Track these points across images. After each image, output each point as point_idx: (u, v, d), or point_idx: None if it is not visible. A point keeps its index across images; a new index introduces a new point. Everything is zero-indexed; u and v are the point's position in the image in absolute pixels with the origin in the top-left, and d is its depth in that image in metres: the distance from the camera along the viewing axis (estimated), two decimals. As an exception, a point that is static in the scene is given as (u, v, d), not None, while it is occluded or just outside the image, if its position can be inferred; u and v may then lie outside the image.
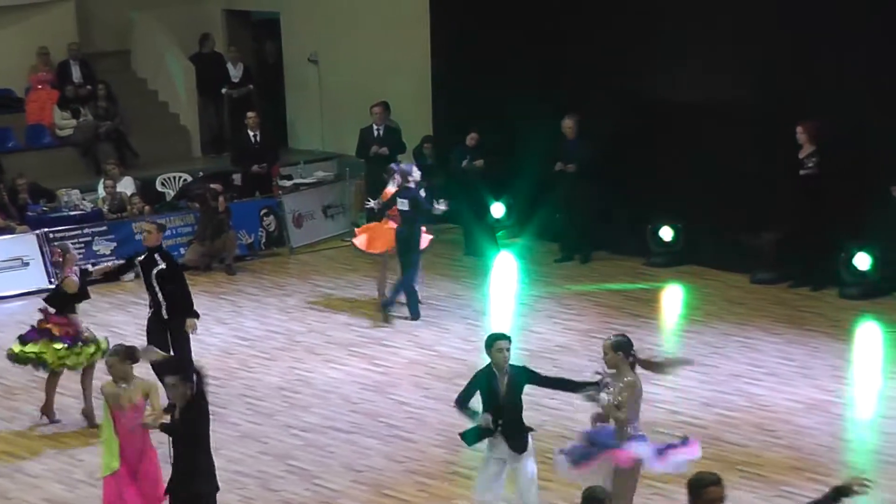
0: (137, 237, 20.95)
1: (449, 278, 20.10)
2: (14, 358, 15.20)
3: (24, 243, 20.75)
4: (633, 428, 11.61)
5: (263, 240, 22.06)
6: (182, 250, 21.27)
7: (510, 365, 11.82)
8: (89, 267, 15.26)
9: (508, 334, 12.03)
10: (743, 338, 17.37)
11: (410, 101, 23.13)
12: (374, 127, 22.09)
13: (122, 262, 15.35)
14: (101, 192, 22.30)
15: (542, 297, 19.44)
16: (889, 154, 18.01)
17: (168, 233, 21.25)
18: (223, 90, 25.25)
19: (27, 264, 20.64)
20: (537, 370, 12.27)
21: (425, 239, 18.74)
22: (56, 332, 14.80)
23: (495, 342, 11.80)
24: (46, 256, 20.50)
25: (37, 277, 20.52)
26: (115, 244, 21.12)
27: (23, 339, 15.20)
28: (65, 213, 21.85)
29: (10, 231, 20.95)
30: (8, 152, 23.78)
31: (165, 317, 14.74)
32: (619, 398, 11.43)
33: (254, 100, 25.02)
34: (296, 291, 20.01)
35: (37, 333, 15.12)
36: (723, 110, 19.59)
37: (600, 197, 20.62)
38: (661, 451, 11.68)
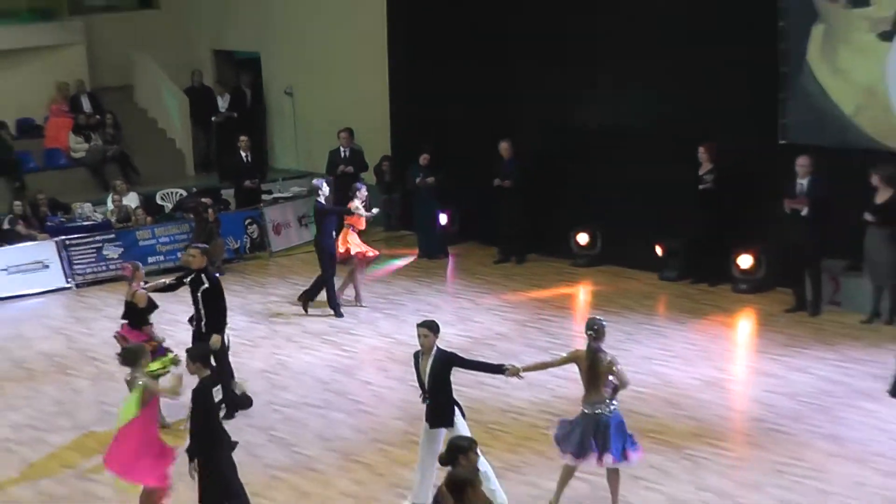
0: (141, 244, 21.29)
1: (406, 277, 20.18)
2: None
3: (45, 249, 20.75)
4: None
5: (248, 245, 22.09)
6: (179, 254, 21.18)
7: (438, 349, 11.73)
8: (142, 284, 14.76)
9: (431, 321, 11.87)
10: (653, 326, 17.47)
11: (372, 126, 23.11)
12: (341, 149, 22.09)
13: (173, 281, 14.95)
14: (110, 205, 22.26)
15: (484, 292, 19.46)
16: (769, 172, 18.10)
17: (166, 239, 21.49)
18: (212, 118, 25.20)
19: (47, 266, 20.64)
20: (461, 355, 12.11)
21: (364, 249, 18.71)
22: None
23: (418, 329, 11.82)
24: (64, 260, 20.59)
25: (56, 278, 20.65)
26: (122, 249, 21.10)
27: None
28: (79, 224, 21.84)
29: (33, 239, 20.93)
30: (29, 172, 23.70)
31: (203, 330, 14.34)
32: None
33: (238, 126, 24.95)
34: (275, 289, 20.08)
35: None
36: (633, 133, 19.61)
37: (531, 208, 20.72)
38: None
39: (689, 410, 14.34)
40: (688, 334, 17.13)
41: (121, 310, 16.21)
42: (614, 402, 11.60)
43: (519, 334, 17.34)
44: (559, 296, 19.24)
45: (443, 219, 21.73)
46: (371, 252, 18.84)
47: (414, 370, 11.96)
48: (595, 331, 11.63)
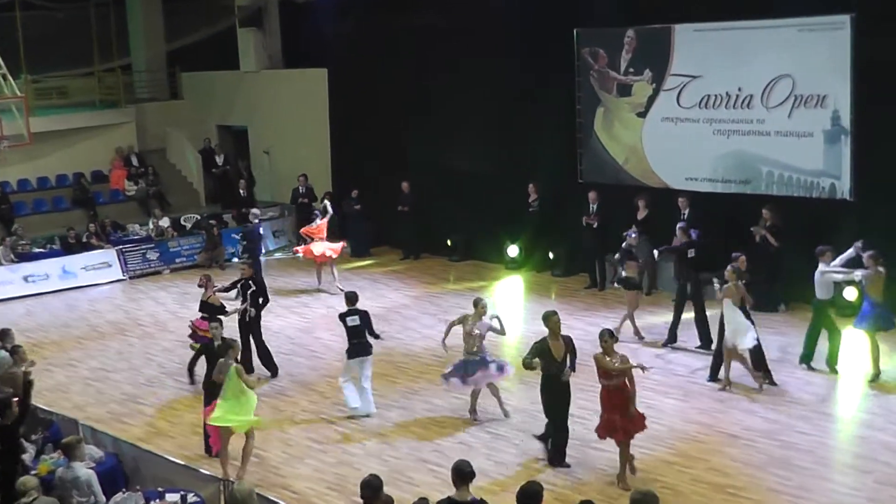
0: (171, 250, 21.00)
1: (343, 269, 20.12)
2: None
3: (109, 254, 20.42)
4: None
5: (240, 251, 21.84)
6: (196, 256, 21.14)
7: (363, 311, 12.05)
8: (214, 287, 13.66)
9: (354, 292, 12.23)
10: (499, 300, 17.58)
11: (319, 172, 22.87)
12: (300, 187, 21.88)
13: (229, 285, 13.98)
14: (150, 225, 21.88)
15: (392, 278, 19.35)
16: (572, 199, 18.08)
17: (188, 247, 21.26)
18: (213, 170, 25.04)
19: (110, 266, 20.30)
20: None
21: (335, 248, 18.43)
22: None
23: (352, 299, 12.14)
24: (121, 261, 20.32)
25: (116, 273, 20.34)
26: (158, 254, 20.81)
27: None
28: (131, 237, 21.44)
29: (101, 248, 20.59)
30: (99, 205, 23.26)
31: (247, 320, 13.67)
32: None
33: (232, 175, 24.71)
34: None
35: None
36: (486, 172, 19.46)
37: (422, 223, 20.63)
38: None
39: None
40: (527, 305, 17.16)
41: (160, 293, 15.94)
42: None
43: (416, 305, 17.28)
44: (441, 279, 19.18)
45: (368, 233, 21.38)
46: (335, 249, 18.52)
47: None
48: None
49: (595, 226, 17.53)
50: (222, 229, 21.73)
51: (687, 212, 16.60)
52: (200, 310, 13.81)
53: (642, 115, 17.65)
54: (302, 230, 19.10)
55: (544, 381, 10.30)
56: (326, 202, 19.34)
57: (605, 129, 18.27)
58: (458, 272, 19.80)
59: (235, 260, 20.58)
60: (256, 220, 18.92)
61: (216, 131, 26.10)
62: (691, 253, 14.28)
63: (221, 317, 12.62)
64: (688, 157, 17.12)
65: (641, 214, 17.12)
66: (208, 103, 25.99)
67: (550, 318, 10.24)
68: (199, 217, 22.83)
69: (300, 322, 16.66)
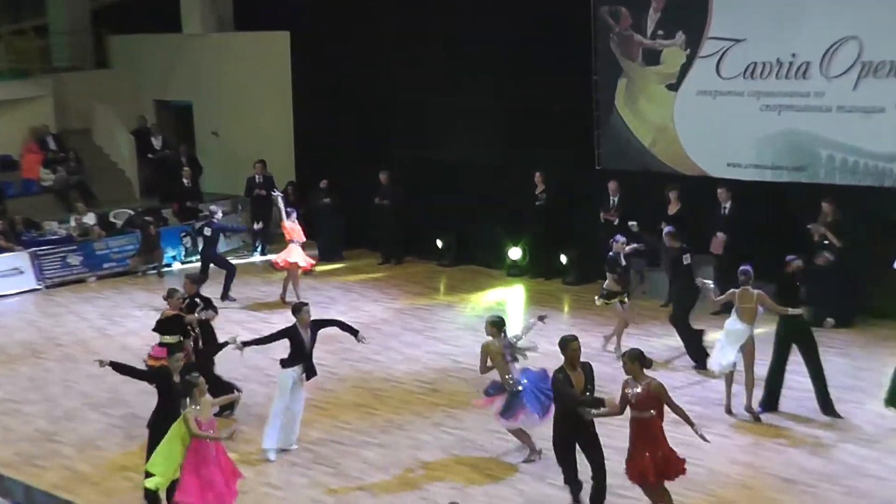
0: (97, 253, 20.92)
1: (309, 276, 20.08)
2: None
3: (19, 259, 20.28)
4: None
5: (183, 253, 21.79)
6: (128, 261, 21.02)
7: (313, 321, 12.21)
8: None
9: (306, 303, 12.38)
10: (500, 312, 17.49)
11: (280, 158, 22.88)
12: (256, 176, 21.87)
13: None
14: (72, 223, 21.74)
15: (370, 287, 19.38)
16: (589, 191, 18.23)
17: (118, 249, 21.20)
18: (148, 156, 24.92)
19: (22, 272, 20.15)
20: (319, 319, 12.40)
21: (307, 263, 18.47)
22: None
23: (306, 307, 12.20)
24: (35, 267, 20.18)
25: (28, 281, 20.18)
26: (81, 258, 20.72)
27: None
28: (48, 238, 21.28)
29: (10, 250, 20.40)
30: (9, 198, 23.09)
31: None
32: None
33: (172, 162, 24.54)
34: (207, 286, 19.72)
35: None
36: (483, 165, 19.63)
37: (406, 221, 20.72)
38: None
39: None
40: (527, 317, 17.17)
41: (84, 307, 15.70)
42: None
43: (398, 319, 17.28)
44: (429, 289, 19.19)
45: (341, 230, 21.44)
46: (309, 263, 18.53)
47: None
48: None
49: (616, 223, 17.56)
50: (161, 228, 21.66)
51: (728, 205, 16.73)
52: (158, 329, 13.50)
53: (674, 87, 17.71)
54: (288, 229, 18.67)
55: (559, 419, 10.21)
56: (278, 196, 19.11)
57: (628, 106, 18.30)
58: (450, 279, 19.83)
59: (178, 266, 20.37)
60: (216, 220, 18.94)
61: (153, 108, 26.05)
62: (687, 259, 14.44)
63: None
64: (730, 138, 17.15)
65: (673, 209, 17.15)
66: (143, 73, 25.92)
67: (569, 345, 10.12)
68: (132, 213, 22.76)
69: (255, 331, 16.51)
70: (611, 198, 17.86)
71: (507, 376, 11.45)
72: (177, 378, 10.75)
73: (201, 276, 17.80)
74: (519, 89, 19.17)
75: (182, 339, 13.16)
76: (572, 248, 18.87)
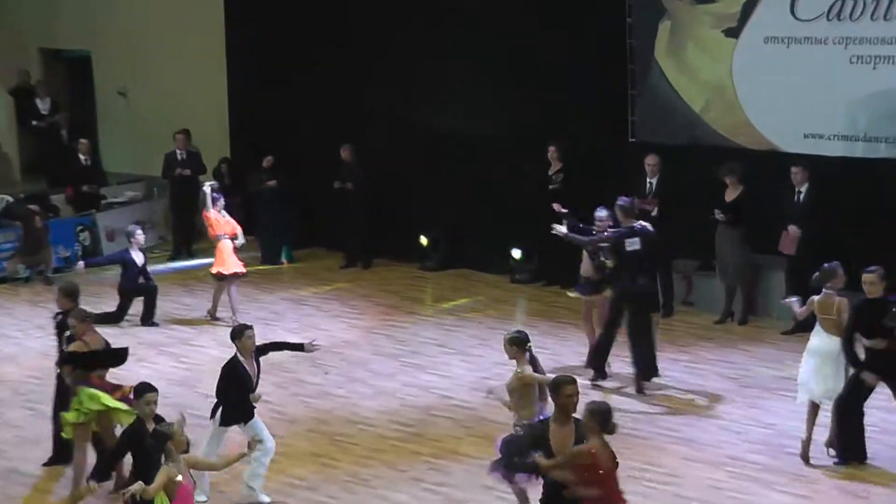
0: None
1: (248, 284, 19.84)
2: None
3: None
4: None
5: (80, 253, 21.53)
6: (5, 263, 20.87)
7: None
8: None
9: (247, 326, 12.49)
10: (504, 330, 17.48)
11: (210, 127, 22.89)
12: (178, 151, 21.85)
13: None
14: (-72, 212, 21.75)
15: (329, 299, 19.40)
16: (619, 170, 18.30)
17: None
18: (33, 123, 24.73)
19: None
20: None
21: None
22: None
23: (250, 331, 12.29)
24: None
25: None
26: (-57, 253, 20.75)
27: None
28: None
29: None
30: None
31: None
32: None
33: (65, 132, 24.50)
34: (109, 299, 19.62)
35: None
36: (480, 134, 19.71)
37: (377, 211, 20.70)
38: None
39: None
40: (540, 338, 17.10)
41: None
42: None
43: (367, 341, 17.30)
44: (407, 300, 19.23)
45: (290, 223, 21.54)
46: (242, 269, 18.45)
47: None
48: None
49: (654, 212, 17.51)
50: (49, 220, 21.54)
51: (805, 188, 16.81)
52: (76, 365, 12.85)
53: (733, 33, 17.74)
54: (212, 220, 18.38)
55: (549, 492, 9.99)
56: (205, 187, 18.81)
57: (672, 57, 18.34)
58: (437, 287, 19.89)
59: (80, 268, 19.96)
60: (136, 246, 18.61)
61: (39, 60, 25.98)
62: (633, 244, 14.77)
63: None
64: (808, 101, 17.19)
65: (731, 195, 17.29)
66: (24, 16, 25.80)
67: (563, 389, 9.88)
68: (10, 200, 22.58)
69: (176, 370, 16.54)
70: (648, 179, 17.89)
71: (527, 414, 11.32)
72: (151, 425, 10.60)
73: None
74: (528, 38, 19.27)
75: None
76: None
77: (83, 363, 12.58)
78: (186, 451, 10.06)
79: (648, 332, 14.94)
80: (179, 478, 9.77)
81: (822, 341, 12.67)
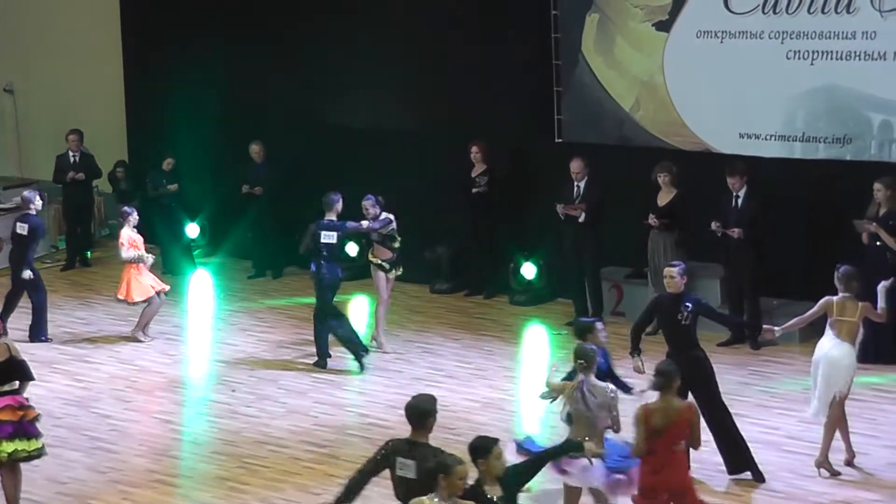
0: None
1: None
2: None
3: None
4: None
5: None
6: None
7: None
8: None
9: None
10: (423, 343, 17.55)
11: (105, 128, 22.77)
12: (70, 153, 21.69)
13: None
14: None
15: (237, 311, 19.34)
16: (546, 173, 18.47)
17: None
18: None
19: None
20: None
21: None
22: None
23: None
24: None
25: None
26: None
27: None
28: None
29: None
30: None
31: None
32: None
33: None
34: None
35: None
36: (397, 133, 19.80)
37: (288, 216, 20.56)
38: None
39: (465, 435, 14.18)
40: (462, 351, 17.25)
41: None
42: None
43: (275, 356, 17.26)
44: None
45: (191, 230, 21.38)
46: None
47: None
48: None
49: (581, 218, 17.57)
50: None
51: (742, 193, 16.77)
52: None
53: (664, 26, 17.82)
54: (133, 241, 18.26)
55: None
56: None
57: (600, 52, 18.40)
58: (344, 295, 19.58)
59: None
60: (34, 210, 18.38)
61: None
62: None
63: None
64: (743, 98, 17.29)
65: (664, 199, 17.35)
66: None
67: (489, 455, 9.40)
68: None
69: (71, 389, 16.44)
70: (574, 184, 17.88)
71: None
72: None
73: None
74: (441, 27, 19.34)
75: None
76: (526, 255, 18.93)
77: None
78: None
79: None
80: None
81: (838, 348, 12.66)
